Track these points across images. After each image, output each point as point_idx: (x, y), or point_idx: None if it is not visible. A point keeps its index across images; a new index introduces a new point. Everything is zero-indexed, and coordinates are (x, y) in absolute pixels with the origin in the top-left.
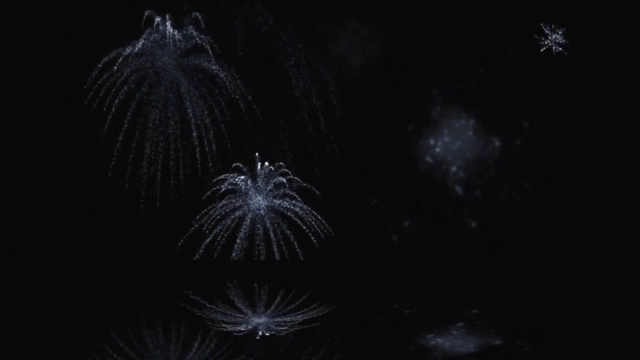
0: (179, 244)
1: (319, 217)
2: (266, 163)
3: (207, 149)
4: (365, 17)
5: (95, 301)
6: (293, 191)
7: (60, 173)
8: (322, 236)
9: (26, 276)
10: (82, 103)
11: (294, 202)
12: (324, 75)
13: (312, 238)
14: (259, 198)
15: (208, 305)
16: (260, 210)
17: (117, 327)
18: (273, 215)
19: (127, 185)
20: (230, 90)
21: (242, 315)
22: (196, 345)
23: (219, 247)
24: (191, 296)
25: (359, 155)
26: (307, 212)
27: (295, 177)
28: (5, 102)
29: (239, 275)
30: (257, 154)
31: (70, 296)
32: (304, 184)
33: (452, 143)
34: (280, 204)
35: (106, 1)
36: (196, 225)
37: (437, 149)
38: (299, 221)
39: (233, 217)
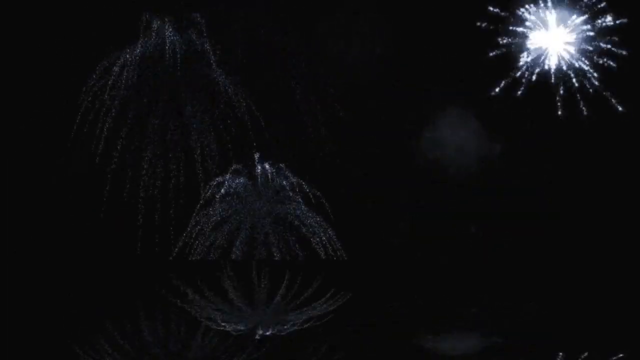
0: (175, 249)
1: (319, 219)
2: (266, 165)
3: (207, 150)
4: (365, 17)
5: (95, 301)
6: (293, 192)
7: (60, 173)
8: (335, 258)
9: (26, 276)
10: (82, 104)
11: (294, 203)
12: (324, 75)
13: (322, 254)
14: (259, 199)
15: (208, 305)
16: (260, 211)
17: (116, 327)
18: (273, 216)
19: (127, 186)
20: (230, 93)
21: (242, 314)
22: (196, 345)
23: (219, 248)
24: (190, 295)
25: (359, 155)
26: (308, 214)
27: (296, 179)
28: (5, 102)
29: (239, 275)
30: (257, 155)
31: (70, 296)
32: (307, 190)
33: (452, 143)
34: (280, 205)
35: (106, 2)
36: (197, 227)
37: (437, 149)
38: (299, 223)
39: (233, 218)
